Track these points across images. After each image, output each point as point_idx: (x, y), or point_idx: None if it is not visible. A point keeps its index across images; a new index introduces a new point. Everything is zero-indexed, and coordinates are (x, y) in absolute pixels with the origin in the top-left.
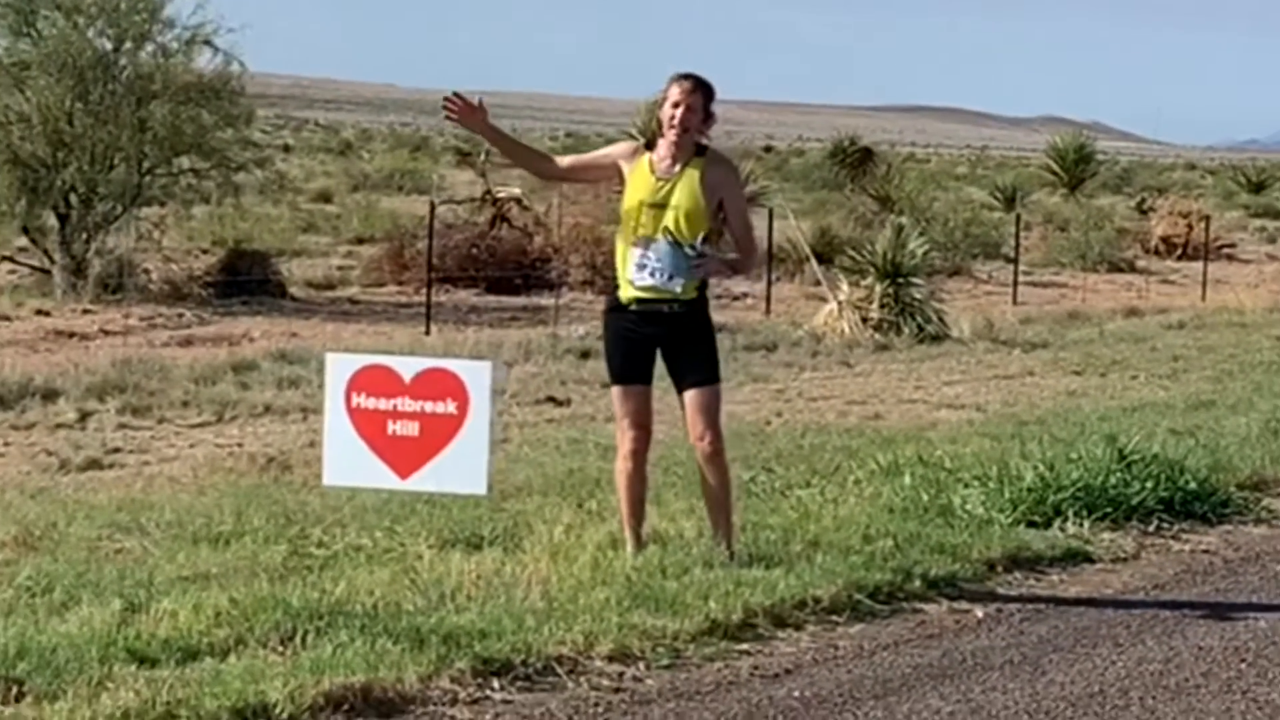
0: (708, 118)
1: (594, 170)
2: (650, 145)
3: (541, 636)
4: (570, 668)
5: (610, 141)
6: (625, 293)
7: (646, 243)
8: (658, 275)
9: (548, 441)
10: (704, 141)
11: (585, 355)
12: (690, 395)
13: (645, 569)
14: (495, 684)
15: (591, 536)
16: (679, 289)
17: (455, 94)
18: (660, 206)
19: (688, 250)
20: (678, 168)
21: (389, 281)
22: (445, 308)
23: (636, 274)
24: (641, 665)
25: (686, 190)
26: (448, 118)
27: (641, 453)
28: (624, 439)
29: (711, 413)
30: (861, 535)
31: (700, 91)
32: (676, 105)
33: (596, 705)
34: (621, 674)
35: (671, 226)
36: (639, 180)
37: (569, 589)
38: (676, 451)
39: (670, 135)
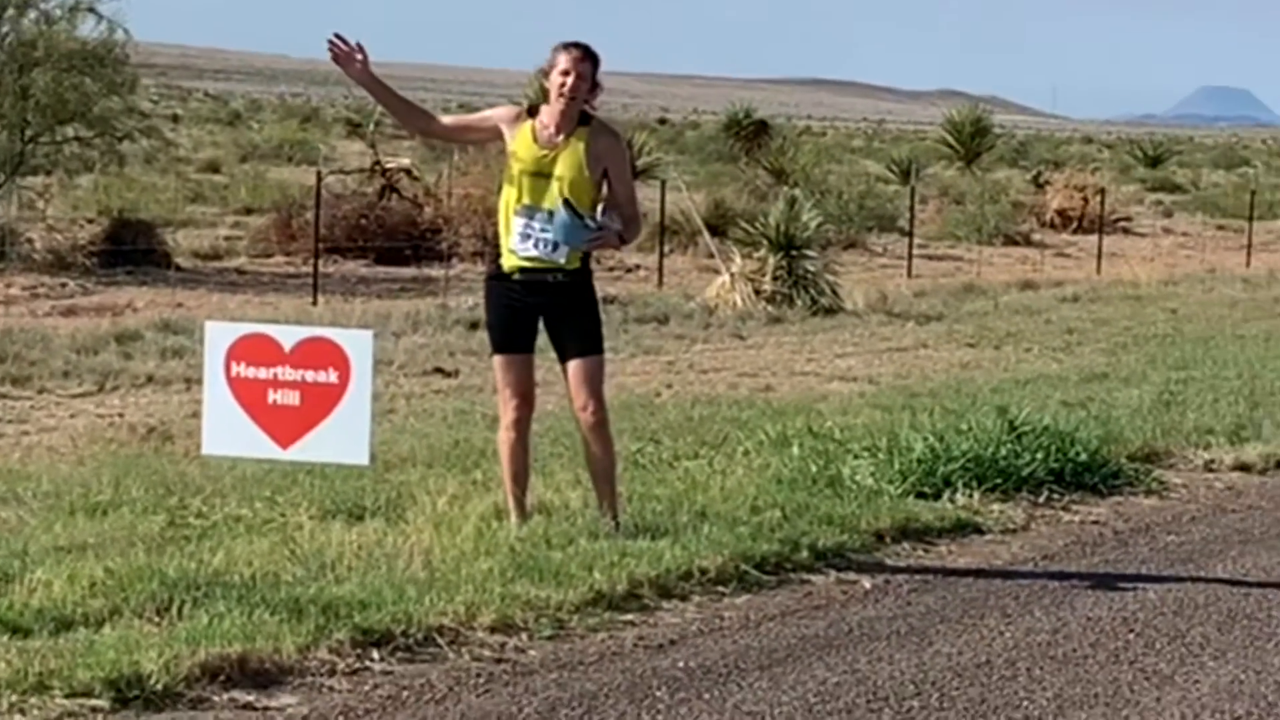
0: (595, 87)
1: (474, 132)
2: (533, 111)
3: (423, 607)
4: (451, 638)
5: None
6: (508, 261)
7: (530, 212)
8: (542, 246)
9: (434, 412)
10: (590, 111)
11: (474, 326)
12: (573, 366)
13: (529, 540)
14: (375, 655)
15: (476, 507)
16: (563, 259)
17: (338, 35)
18: (544, 176)
19: (588, 222)
20: (562, 137)
21: (276, 252)
22: (333, 279)
23: (520, 244)
24: (524, 636)
25: (571, 160)
26: (333, 59)
27: (524, 422)
28: (506, 409)
29: (594, 383)
30: (749, 506)
31: (588, 59)
32: (565, 74)
33: (478, 676)
34: (504, 645)
35: (556, 197)
36: (522, 147)
37: (452, 560)
38: (564, 422)
39: (558, 104)
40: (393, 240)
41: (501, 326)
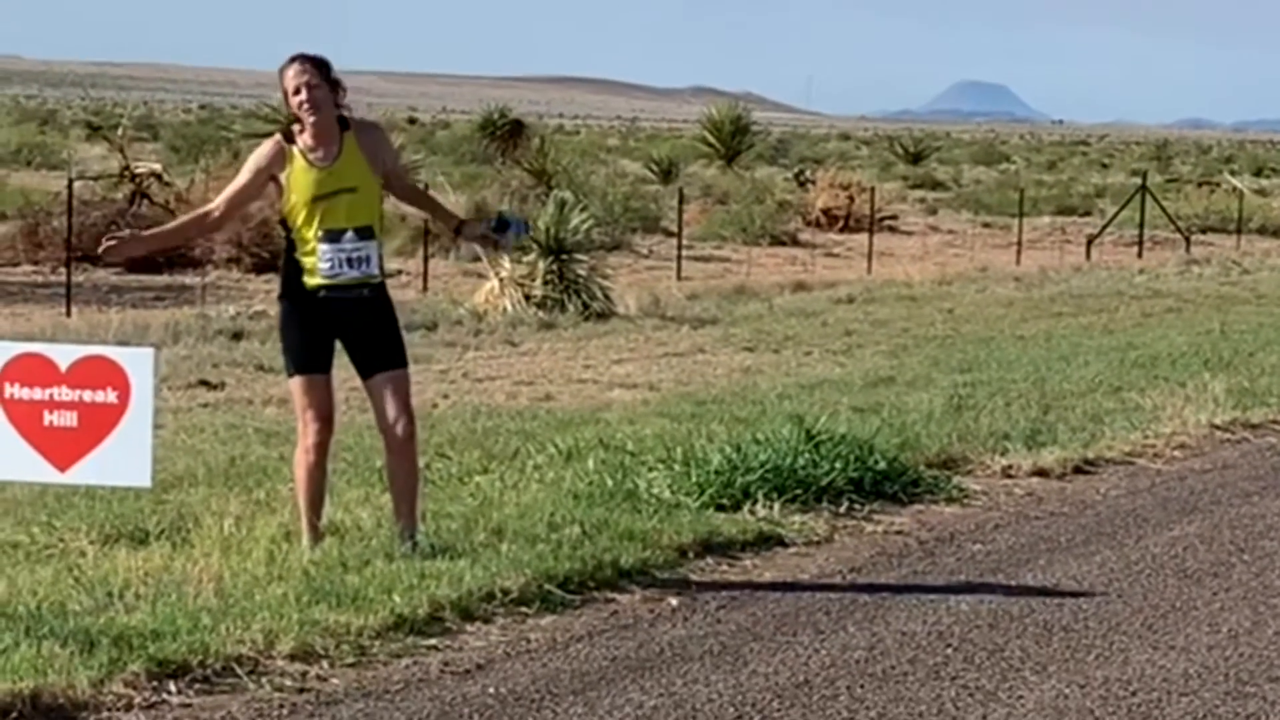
0: (335, 87)
1: (252, 191)
2: (289, 138)
3: (218, 636)
4: (250, 668)
5: (248, 115)
6: (311, 280)
7: (335, 236)
8: (358, 266)
9: (205, 427)
10: (344, 114)
11: (237, 336)
12: (380, 380)
13: (324, 562)
14: (172, 687)
15: (264, 529)
16: (377, 271)
17: (108, 242)
18: (335, 194)
19: (527, 225)
20: (335, 150)
21: (23, 260)
22: (85, 287)
23: (332, 270)
24: (325, 664)
25: (354, 168)
26: (108, 262)
27: (324, 445)
28: (307, 431)
29: (403, 397)
30: (547, 523)
31: (312, 66)
32: (298, 91)
33: (280, 707)
34: (305, 673)
35: (359, 212)
36: (300, 178)
37: (244, 585)
38: (343, 437)
39: (310, 120)
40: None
41: (302, 347)
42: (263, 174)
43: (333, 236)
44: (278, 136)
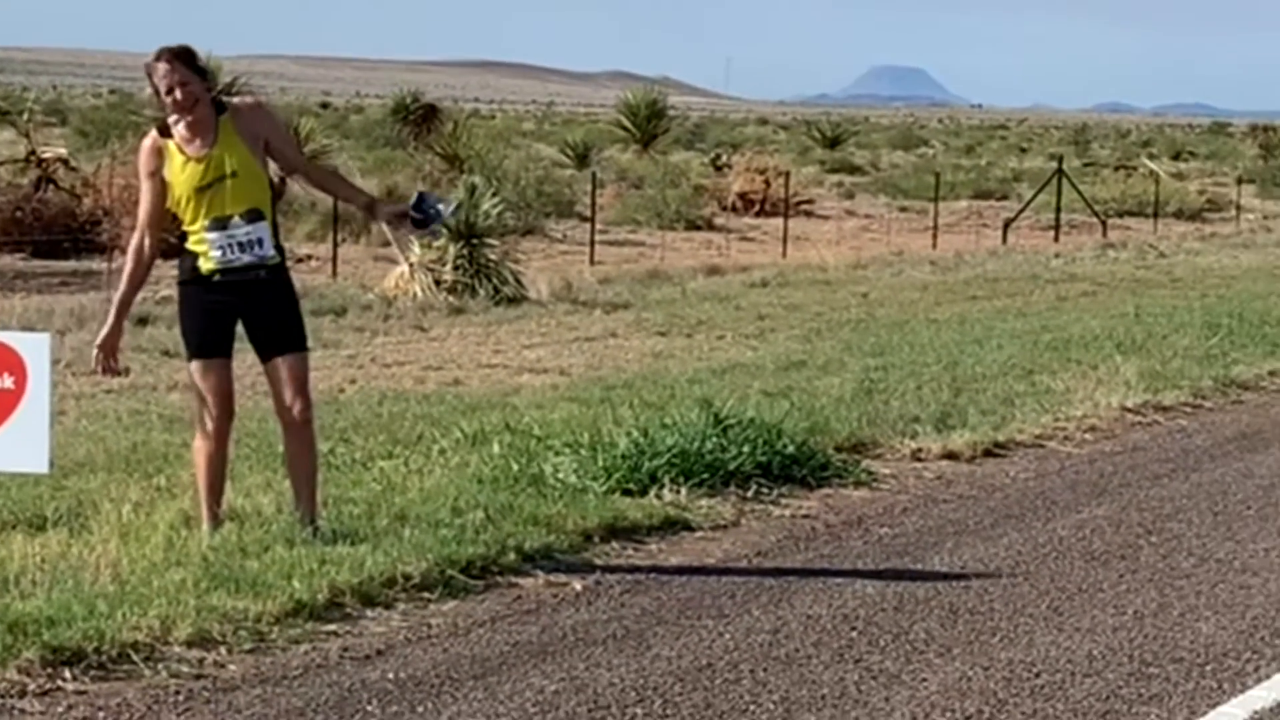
0: (204, 77)
1: (161, 195)
2: (164, 131)
3: (114, 622)
4: (147, 654)
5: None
6: (206, 264)
7: (221, 224)
8: (251, 249)
9: (107, 414)
10: (220, 99)
11: (143, 322)
12: (279, 363)
13: (223, 548)
14: (67, 674)
15: (163, 515)
16: (271, 253)
17: (101, 364)
18: (217, 182)
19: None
20: (212, 138)
21: None
22: None
23: (224, 257)
24: (223, 650)
25: (234, 153)
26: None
27: (225, 431)
28: (206, 417)
29: (301, 380)
30: (450, 507)
31: (180, 61)
32: (171, 90)
33: (177, 694)
34: (202, 660)
35: (243, 197)
36: (179, 169)
37: (142, 571)
38: (245, 422)
39: (186, 119)
40: (50, 233)
41: (201, 331)
42: (155, 178)
43: (220, 224)
44: (153, 134)
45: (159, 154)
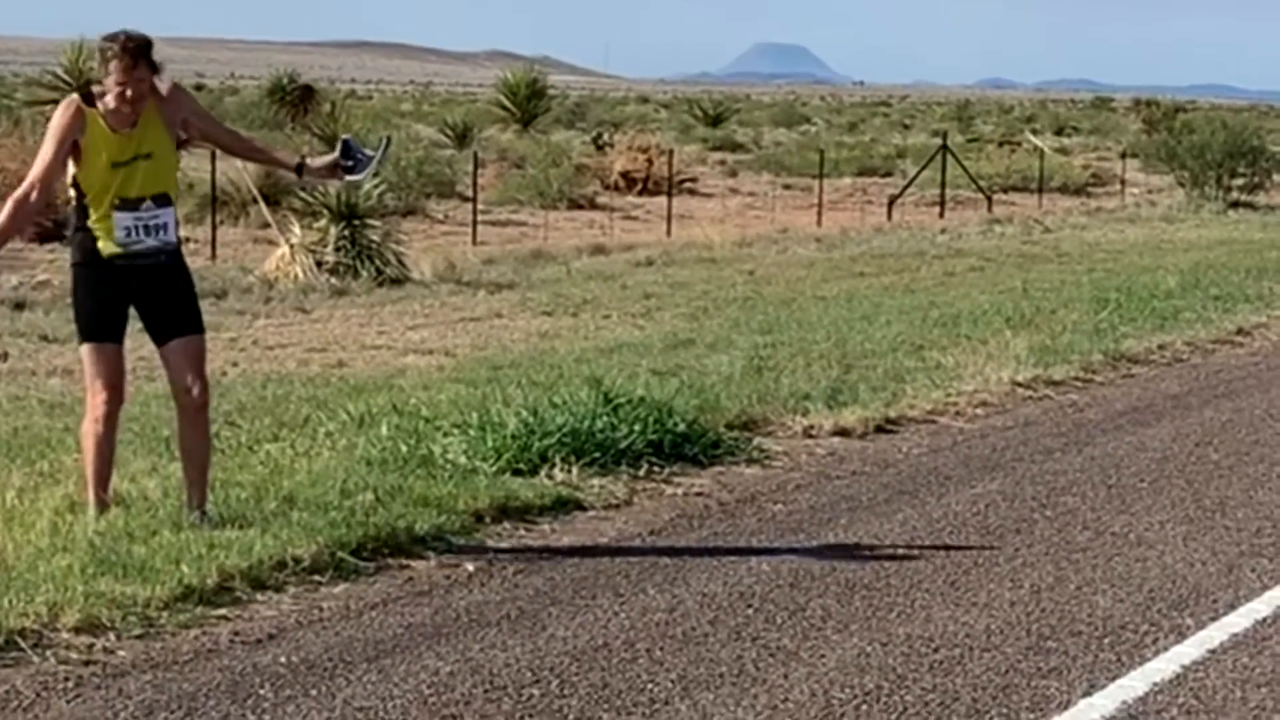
0: (156, 70)
1: (62, 159)
2: (88, 99)
3: (1, 609)
4: (35, 641)
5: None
6: (106, 247)
7: (133, 205)
8: (155, 234)
9: None
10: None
11: (20, 306)
12: (175, 346)
13: (110, 533)
14: None
15: (47, 500)
16: (174, 239)
17: None
18: (133, 160)
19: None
20: (139, 119)
21: None
22: None
23: (126, 239)
24: (112, 636)
25: (156, 136)
26: None
27: (113, 416)
28: (96, 400)
29: (198, 363)
30: (339, 490)
31: (143, 59)
32: (124, 84)
33: (67, 680)
34: (91, 645)
35: (155, 180)
36: (100, 143)
37: (28, 557)
38: (128, 406)
39: (127, 108)
40: None
41: (95, 314)
42: (66, 141)
43: (130, 205)
44: (75, 99)
45: (79, 120)
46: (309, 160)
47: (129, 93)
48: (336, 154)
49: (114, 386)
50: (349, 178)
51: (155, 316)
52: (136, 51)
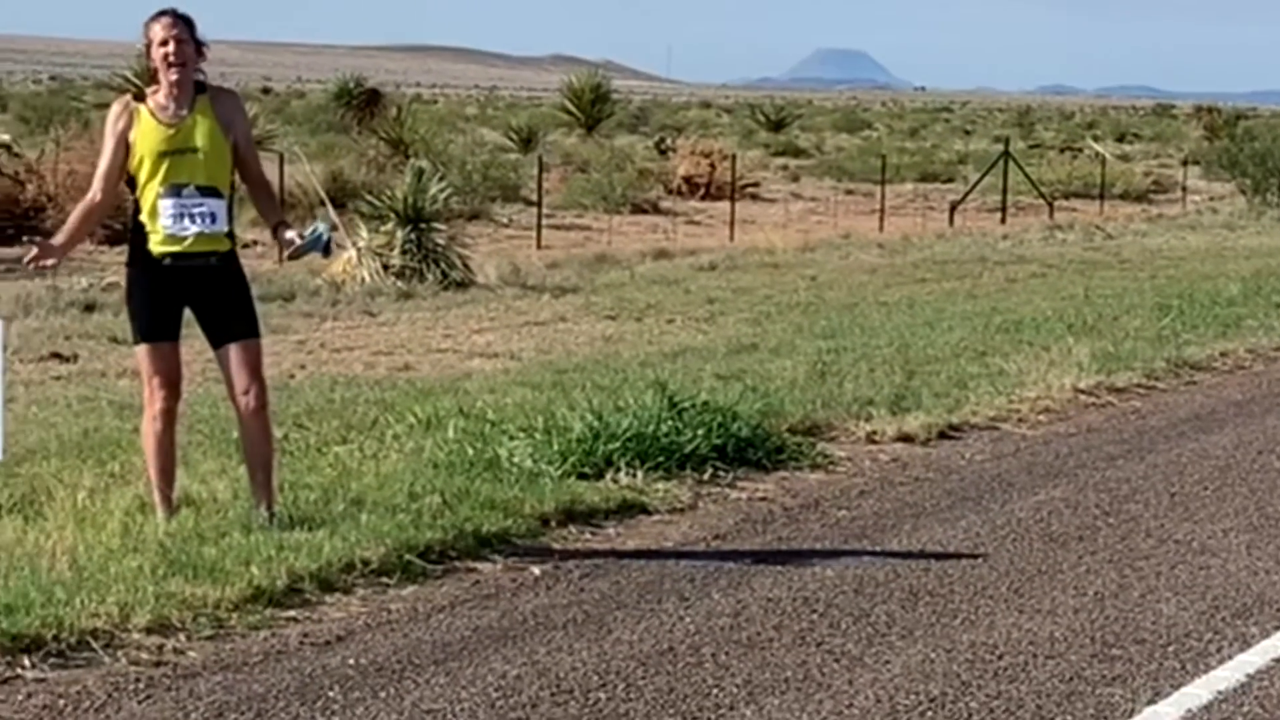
0: (200, 48)
1: (119, 162)
2: (140, 97)
3: (73, 609)
4: (106, 641)
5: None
6: (157, 247)
7: (177, 190)
8: (201, 220)
9: (57, 400)
10: (200, 78)
11: (90, 308)
12: (232, 350)
13: (179, 534)
14: (26, 662)
15: (118, 501)
16: (225, 229)
17: (33, 247)
18: (180, 152)
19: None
20: (186, 110)
21: None
22: None
23: (175, 225)
24: (183, 636)
25: (206, 129)
26: (37, 269)
27: (171, 413)
28: (153, 399)
29: (255, 366)
30: (407, 493)
31: (182, 22)
32: (165, 43)
33: (137, 680)
34: (162, 646)
35: (205, 173)
36: (147, 132)
37: (99, 558)
38: (198, 408)
39: (171, 76)
40: None
41: (148, 313)
42: (122, 137)
43: (175, 190)
44: (126, 97)
45: (128, 115)
46: (284, 224)
47: (171, 48)
48: (305, 238)
49: (171, 384)
50: (298, 254)
51: (209, 320)
52: (177, 13)
